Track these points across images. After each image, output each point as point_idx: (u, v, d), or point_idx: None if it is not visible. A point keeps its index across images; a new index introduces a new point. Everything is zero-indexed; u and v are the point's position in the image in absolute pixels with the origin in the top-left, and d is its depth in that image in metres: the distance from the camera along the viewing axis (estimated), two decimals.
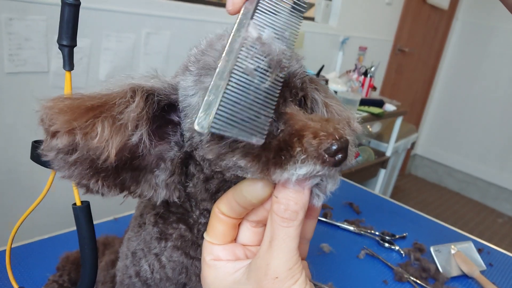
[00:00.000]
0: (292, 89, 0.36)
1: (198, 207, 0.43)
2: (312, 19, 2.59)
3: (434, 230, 1.10)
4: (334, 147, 0.29)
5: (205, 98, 0.29)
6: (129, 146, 0.33)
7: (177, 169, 0.38)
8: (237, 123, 0.29)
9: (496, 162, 3.80)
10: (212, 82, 0.29)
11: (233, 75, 0.29)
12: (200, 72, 0.35)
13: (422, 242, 0.99)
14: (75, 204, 0.46)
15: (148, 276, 0.46)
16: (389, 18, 3.13)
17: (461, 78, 3.96)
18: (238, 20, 0.31)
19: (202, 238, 0.39)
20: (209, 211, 0.40)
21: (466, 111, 3.93)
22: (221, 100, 0.28)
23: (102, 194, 0.35)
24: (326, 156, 0.29)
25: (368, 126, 2.63)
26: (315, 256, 0.90)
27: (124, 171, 0.35)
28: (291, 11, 0.32)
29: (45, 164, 0.34)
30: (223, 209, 0.36)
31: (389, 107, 2.44)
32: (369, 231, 1.02)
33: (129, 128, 0.32)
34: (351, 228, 1.02)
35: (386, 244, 0.97)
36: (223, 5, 1.96)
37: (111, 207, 0.79)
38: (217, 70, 0.29)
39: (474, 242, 1.01)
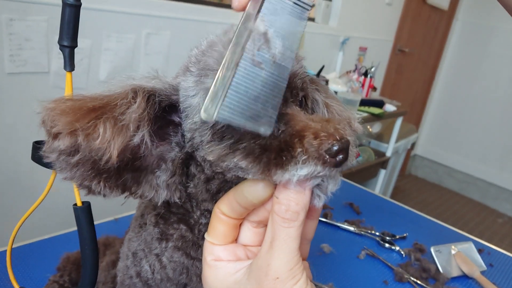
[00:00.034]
0: (293, 90, 0.36)
1: (199, 208, 0.43)
2: (312, 19, 2.59)
3: (434, 230, 1.10)
4: (335, 148, 0.29)
5: (212, 88, 0.28)
6: (130, 147, 0.33)
7: (178, 170, 0.38)
8: (244, 113, 0.29)
9: (496, 162, 3.79)
10: (218, 73, 0.29)
11: (240, 66, 0.29)
12: (201, 73, 0.35)
13: (422, 242, 0.99)
14: (75, 204, 0.46)
15: (149, 276, 0.46)
16: (389, 18, 3.13)
17: (461, 78, 3.96)
18: (244, 15, 0.31)
19: (203, 238, 0.39)
20: (210, 212, 0.40)
21: (466, 111, 3.93)
22: (228, 89, 0.28)
23: (104, 195, 0.35)
24: (327, 156, 0.29)
25: (368, 127, 2.63)
26: (316, 256, 0.90)
27: (126, 172, 0.35)
28: (295, 10, 0.32)
29: (46, 165, 0.34)
30: (224, 210, 0.36)
31: (389, 107, 2.44)
32: (369, 231, 1.02)
33: (131, 129, 0.32)
34: (352, 228, 1.02)
35: (387, 245, 0.97)
36: (223, 5, 1.96)
37: (112, 208, 0.79)
38: (224, 60, 0.29)
39: (474, 242, 1.01)
